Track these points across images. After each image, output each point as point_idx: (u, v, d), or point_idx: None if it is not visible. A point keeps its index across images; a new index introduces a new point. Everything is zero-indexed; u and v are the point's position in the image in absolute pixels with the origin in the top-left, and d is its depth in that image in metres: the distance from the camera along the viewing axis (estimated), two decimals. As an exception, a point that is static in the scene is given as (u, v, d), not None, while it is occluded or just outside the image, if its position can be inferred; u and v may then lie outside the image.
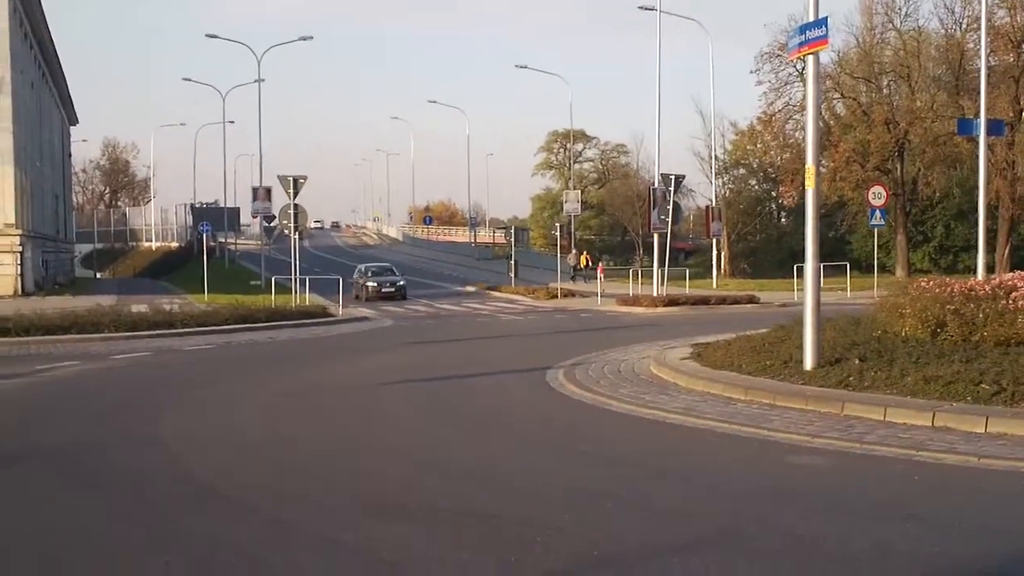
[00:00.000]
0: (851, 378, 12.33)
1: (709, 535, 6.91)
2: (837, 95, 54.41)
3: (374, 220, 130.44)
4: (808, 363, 13.17)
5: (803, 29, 13.13)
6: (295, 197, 30.91)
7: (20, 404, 14.41)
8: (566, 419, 12.18)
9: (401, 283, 45.56)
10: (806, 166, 13.38)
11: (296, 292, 33.45)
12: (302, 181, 31.10)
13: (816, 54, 13.12)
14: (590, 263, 54.48)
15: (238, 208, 74.33)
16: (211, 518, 7.64)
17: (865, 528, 6.95)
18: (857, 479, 8.64)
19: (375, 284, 44.69)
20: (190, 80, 76.93)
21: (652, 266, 42.22)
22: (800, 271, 39.36)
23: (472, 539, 6.84)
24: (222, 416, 12.88)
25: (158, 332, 25.26)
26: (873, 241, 43.65)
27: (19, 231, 43.03)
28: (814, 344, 13.20)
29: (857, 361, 12.96)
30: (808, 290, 13.35)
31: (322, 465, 9.65)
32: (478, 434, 11.31)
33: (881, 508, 7.56)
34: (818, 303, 13.26)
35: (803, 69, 54.27)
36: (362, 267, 49.07)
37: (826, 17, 12.87)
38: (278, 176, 30.85)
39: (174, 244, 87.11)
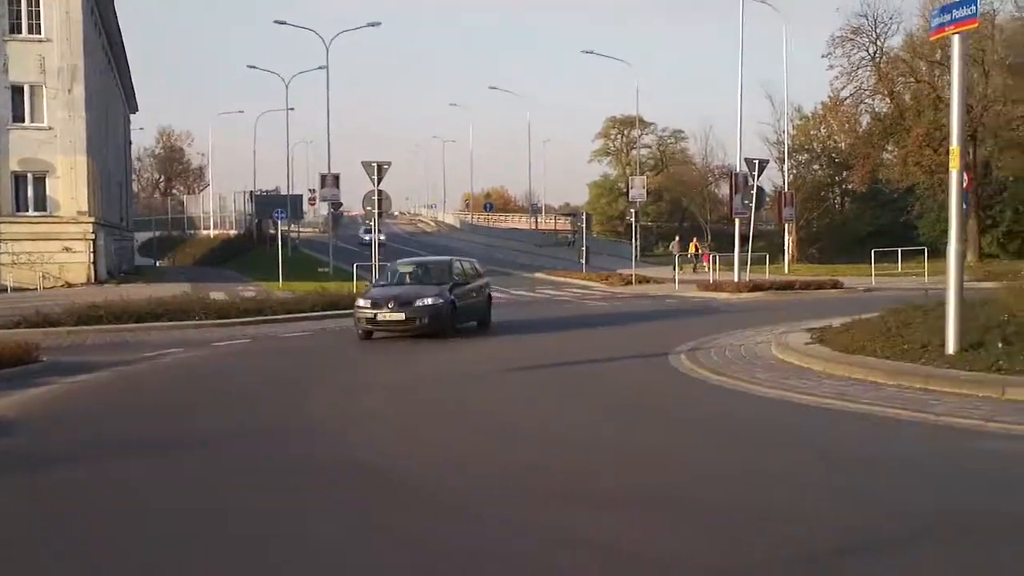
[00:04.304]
0: (1001, 362, 12.06)
1: (927, 522, 6.74)
2: (911, 80, 53.69)
3: (430, 207, 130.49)
4: (951, 347, 12.93)
5: (948, 8, 12.81)
6: (379, 183, 30.75)
7: (142, 392, 14.42)
8: (716, 405, 12.03)
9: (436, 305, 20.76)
10: (951, 147, 13.11)
11: (375, 279, 33.28)
12: (386, 167, 30.84)
13: (962, 33, 12.83)
14: (698, 250, 53.68)
15: (301, 195, 74.56)
16: (389, 503, 7.57)
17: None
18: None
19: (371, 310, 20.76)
20: (255, 68, 75.99)
21: (721, 252, 42.17)
22: (876, 256, 40.13)
23: (690, 528, 6.70)
24: (353, 400, 12.81)
25: (249, 319, 25.32)
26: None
27: (92, 219, 43.25)
28: (957, 328, 12.95)
29: (1000, 345, 12.72)
30: (951, 273, 13.06)
31: (478, 453, 9.51)
32: (633, 421, 11.14)
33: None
34: (961, 286, 13.01)
35: (876, 54, 54.22)
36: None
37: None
38: (362, 162, 30.59)
39: (232, 232, 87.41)
